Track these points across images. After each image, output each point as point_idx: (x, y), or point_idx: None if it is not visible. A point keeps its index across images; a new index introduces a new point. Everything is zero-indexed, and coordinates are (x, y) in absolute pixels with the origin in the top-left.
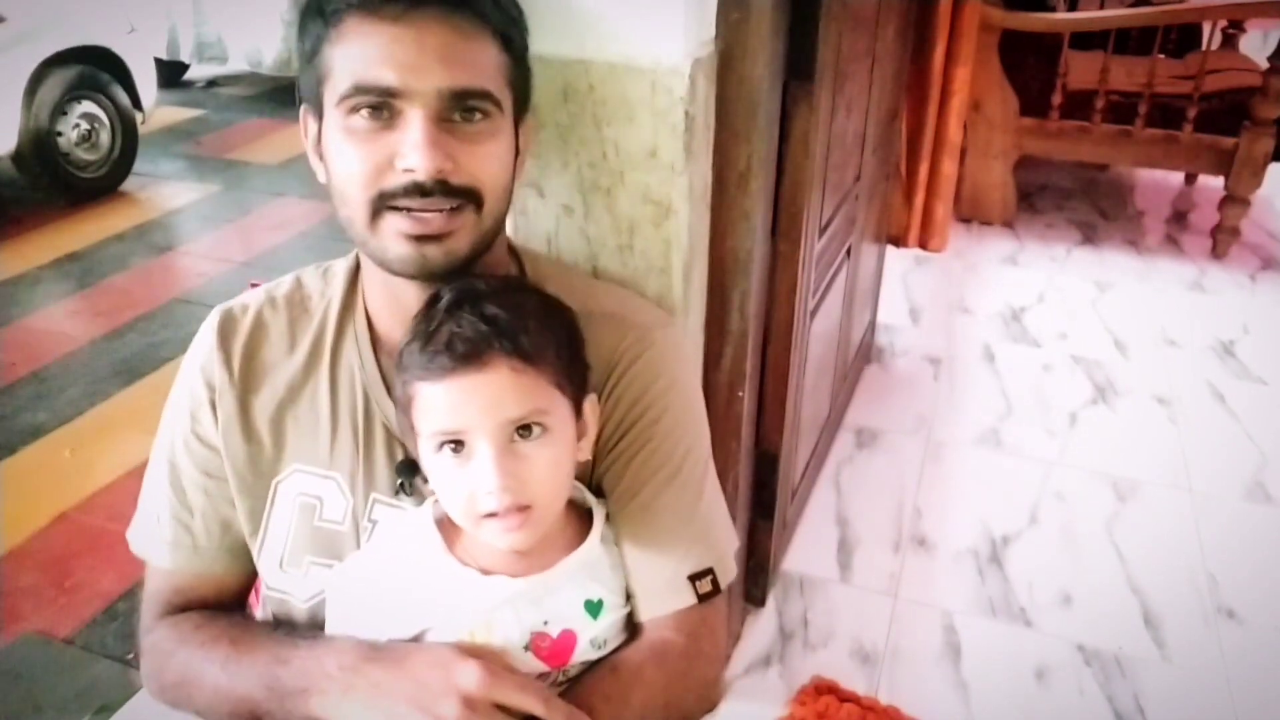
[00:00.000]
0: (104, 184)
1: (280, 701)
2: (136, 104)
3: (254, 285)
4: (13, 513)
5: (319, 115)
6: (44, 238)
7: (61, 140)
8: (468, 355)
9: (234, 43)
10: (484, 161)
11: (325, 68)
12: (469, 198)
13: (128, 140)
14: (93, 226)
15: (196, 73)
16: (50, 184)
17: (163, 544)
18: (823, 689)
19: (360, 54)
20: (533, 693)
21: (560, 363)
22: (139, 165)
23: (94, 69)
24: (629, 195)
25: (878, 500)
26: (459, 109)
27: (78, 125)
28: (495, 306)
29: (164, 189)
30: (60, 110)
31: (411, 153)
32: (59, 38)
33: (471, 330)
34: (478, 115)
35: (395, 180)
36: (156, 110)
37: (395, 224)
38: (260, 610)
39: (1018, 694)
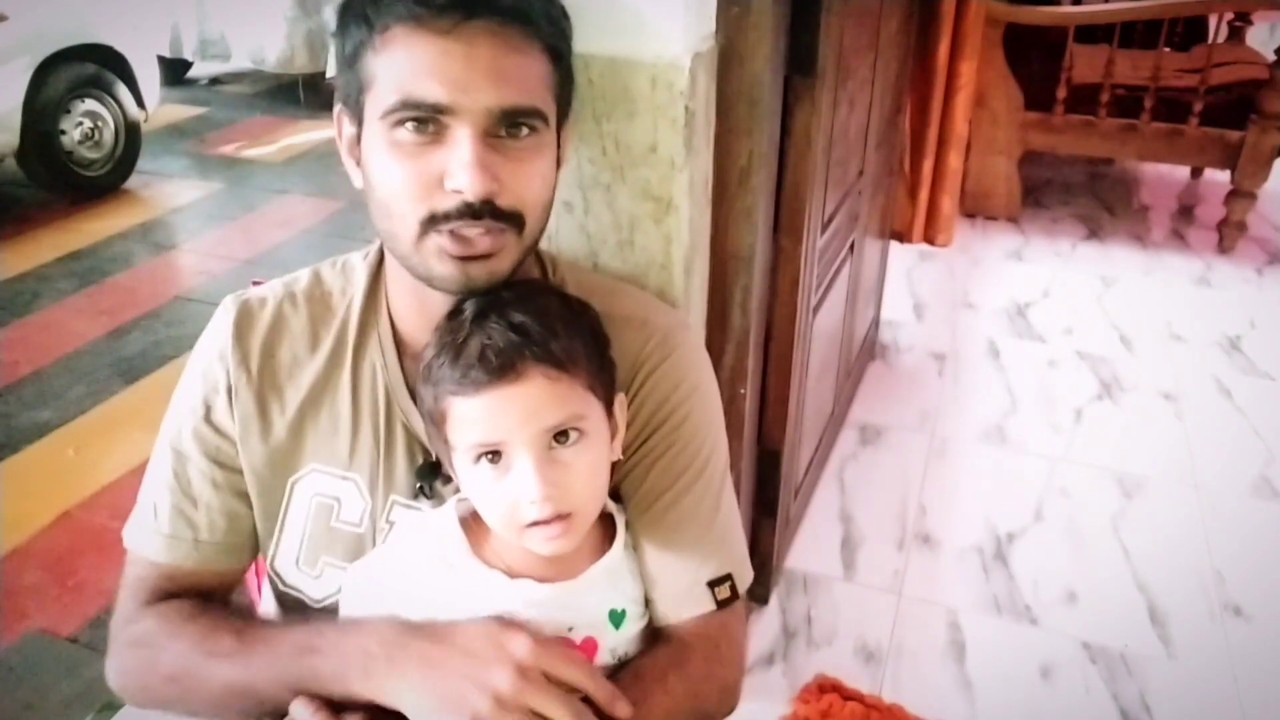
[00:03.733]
0: (107, 182)
1: (315, 686)
2: (139, 102)
3: (256, 284)
4: (16, 511)
5: (358, 121)
6: (47, 236)
7: (64, 138)
8: (502, 367)
9: (237, 40)
10: (528, 183)
11: (368, 76)
12: (512, 221)
13: (131, 138)
14: (96, 225)
15: (200, 70)
16: (53, 182)
17: (159, 536)
18: (826, 687)
19: (407, 67)
20: (579, 665)
21: (590, 364)
22: (142, 163)
23: (97, 67)
24: (629, 191)
25: (881, 497)
26: (506, 125)
27: (80, 123)
28: (521, 313)
29: (167, 187)
30: (63, 108)
31: (460, 172)
32: (62, 36)
33: (503, 340)
34: (525, 131)
35: (445, 202)
36: (159, 108)
37: (440, 243)
38: (263, 605)
39: (1023, 692)
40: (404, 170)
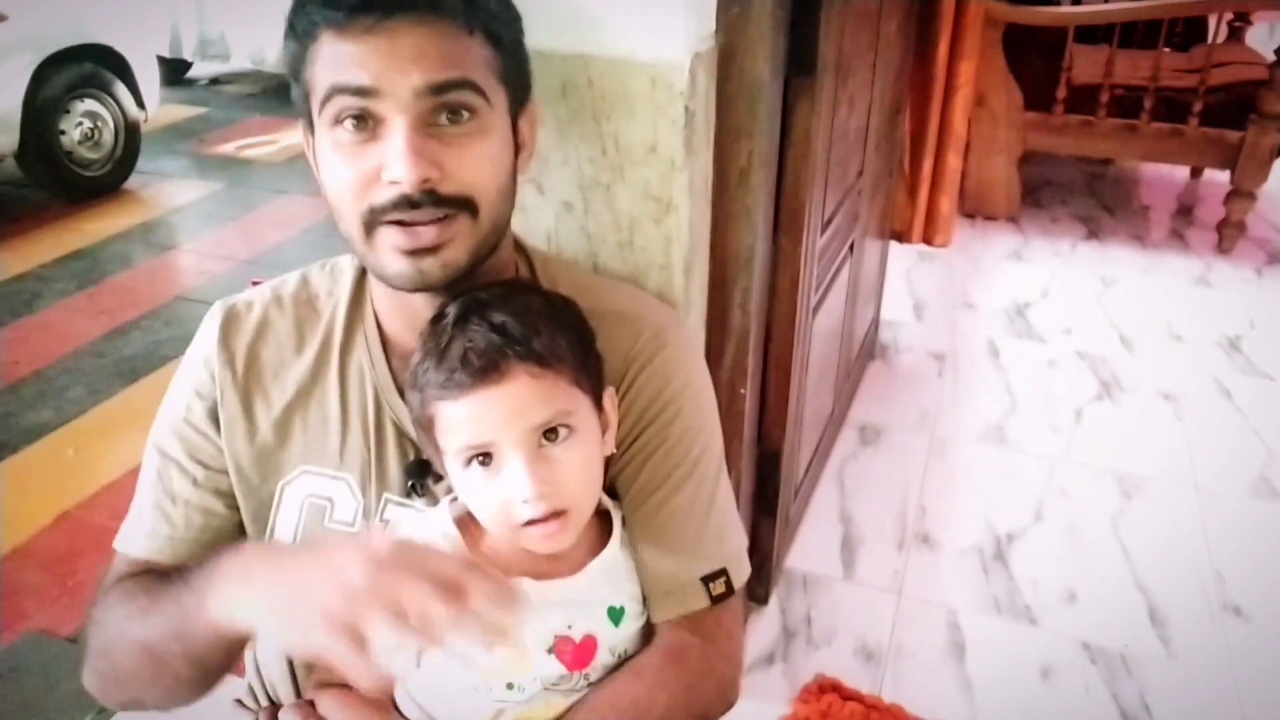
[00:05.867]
0: (107, 182)
1: (187, 624)
2: (139, 102)
3: (255, 284)
4: (15, 511)
5: (312, 132)
6: (47, 236)
7: (64, 139)
8: (485, 368)
9: (237, 40)
10: (475, 166)
11: (308, 85)
12: (461, 206)
13: (130, 138)
14: (96, 225)
15: (199, 70)
16: (53, 183)
17: (139, 533)
18: (826, 687)
19: (334, 64)
20: (444, 557)
21: (575, 360)
22: (142, 163)
23: (97, 67)
24: (629, 191)
25: (881, 497)
26: (444, 110)
27: (80, 124)
28: (502, 313)
29: (167, 187)
30: (63, 109)
31: (396, 163)
32: (61, 36)
33: (484, 341)
34: (465, 114)
35: (383, 194)
36: (159, 108)
37: (389, 238)
38: None
39: (1022, 692)
40: (346, 168)
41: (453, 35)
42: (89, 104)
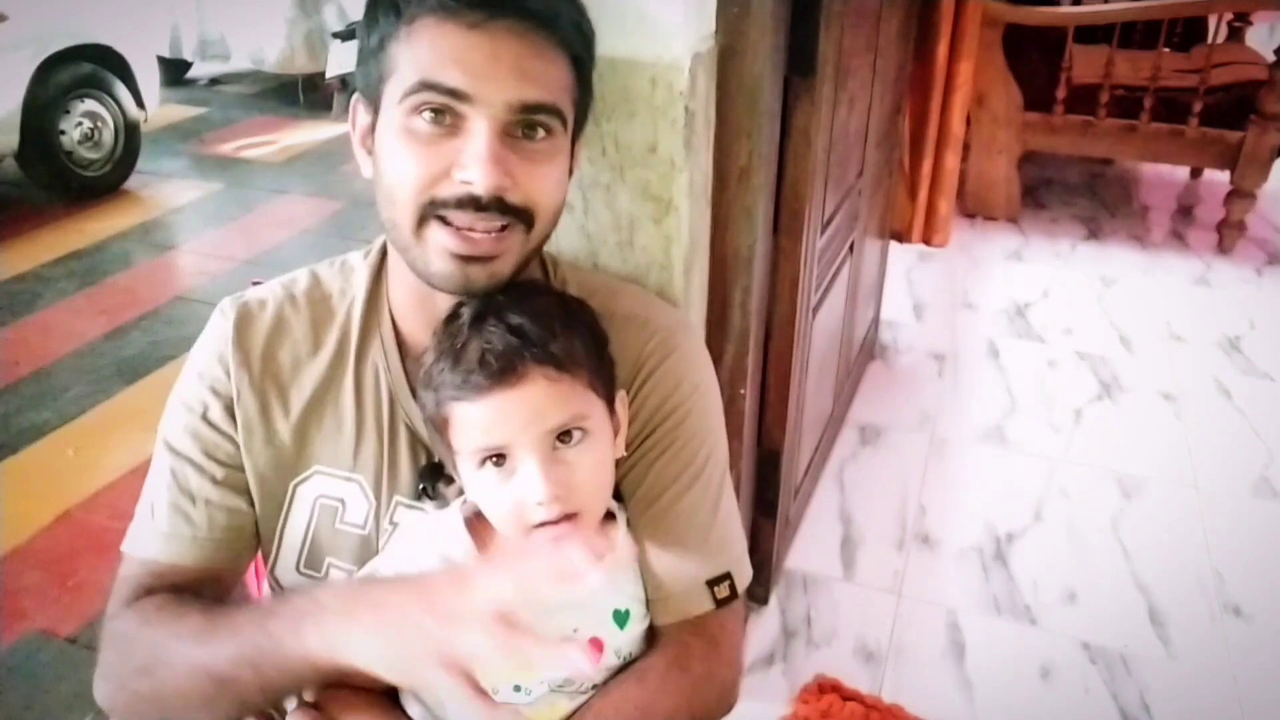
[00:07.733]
0: (107, 182)
1: (272, 653)
2: (139, 102)
3: (255, 284)
4: (15, 511)
5: (375, 110)
6: (47, 236)
7: (64, 139)
8: (502, 370)
9: (237, 41)
10: (542, 183)
11: (390, 64)
12: (521, 218)
13: (130, 139)
14: (95, 225)
15: (199, 71)
16: (53, 182)
17: (157, 535)
18: (826, 687)
19: (430, 55)
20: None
21: (590, 363)
22: (142, 163)
23: (97, 67)
24: (629, 191)
25: (881, 498)
26: (523, 125)
27: (80, 124)
28: (519, 315)
29: (167, 187)
30: (63, 109)
31: (473, 164)
32: (62, 36)
33: (502, 344)
34: (541, 133)
35: (450, 190)
36: (159, 108)
37: (442, 239)
38: None
39: (1022, 692)
40: (414, 157)
41: (549, 52)
42: (89, 104)
